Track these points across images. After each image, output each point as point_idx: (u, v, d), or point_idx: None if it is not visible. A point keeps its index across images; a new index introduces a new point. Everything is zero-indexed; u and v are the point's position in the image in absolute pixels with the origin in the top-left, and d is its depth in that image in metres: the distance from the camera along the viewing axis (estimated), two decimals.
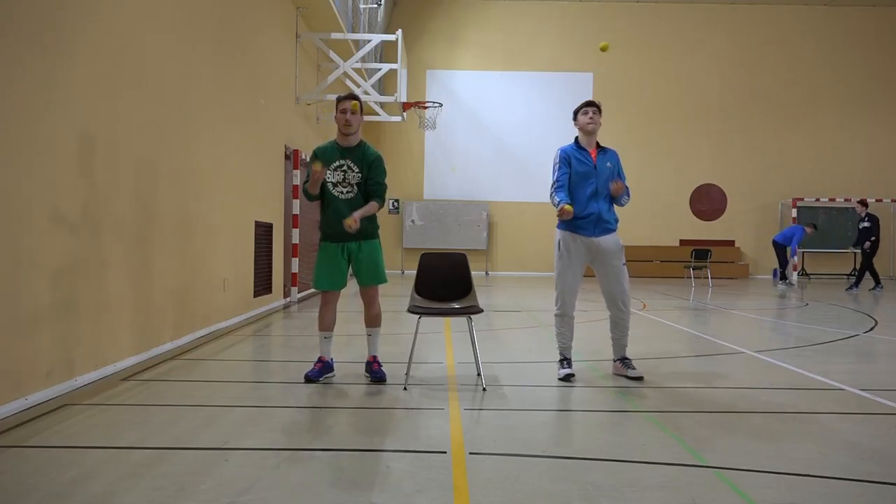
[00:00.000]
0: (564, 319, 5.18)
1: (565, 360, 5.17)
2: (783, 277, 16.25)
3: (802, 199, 19.96)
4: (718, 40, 20.38)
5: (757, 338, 7.87)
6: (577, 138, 5.26)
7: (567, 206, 4.89)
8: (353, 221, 4.77)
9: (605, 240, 5.10)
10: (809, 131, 20.43)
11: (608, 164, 5.15)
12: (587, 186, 5.08)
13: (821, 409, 4.42)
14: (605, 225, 5.09)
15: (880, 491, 2.99)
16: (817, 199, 19.74)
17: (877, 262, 20.40)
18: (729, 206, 18.65)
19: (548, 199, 5.29)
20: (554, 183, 5.16)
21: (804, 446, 3.59)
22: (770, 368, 5.74)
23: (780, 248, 15.98)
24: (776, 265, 20.53)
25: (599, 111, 5.18)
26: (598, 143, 5.24)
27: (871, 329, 8.42)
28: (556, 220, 5.18)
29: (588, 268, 5.21)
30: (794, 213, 19.81)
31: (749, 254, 20.60)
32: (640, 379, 5.04)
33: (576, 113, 5.27)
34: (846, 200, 19.66)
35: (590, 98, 5.44)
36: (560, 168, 5.17)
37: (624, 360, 5.20)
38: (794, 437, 3.75)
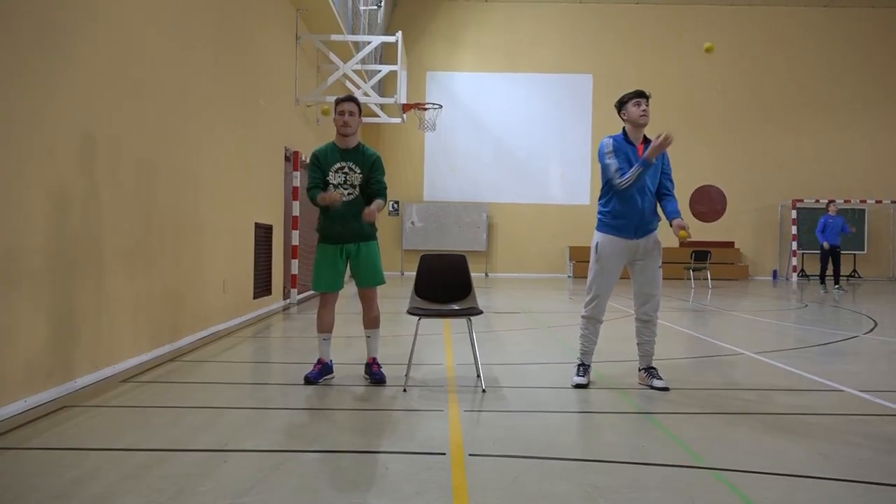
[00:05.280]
0: (592, 323, 4.98)
1: (582, 367, 4.98)
2: (836, 281, 14.75)
3: (802, 201, 19.96)
4: (718, 41, 20.27)
5: (756, 339, 7.87)
6: (624, 130, 4.89)
7: (655, 138, 4.53)
8: (370, 213, 4.79)
9: (646, 241, 4.86)
10: (809, 132, 20.44)
11: (654, 160, 4.76)
12: (633, 184, 4.75)
13: (820, 410, 4.41)
14: (647, 226, 4.84)
15: (879, 492, 2.99)
16: (817, 200, 19.73)
17: (877, 264, 20.48)
18: (728, 207, 18.63)
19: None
20: (617, 171, 4.73)
21: (803, 447, 3.59)
22: (770, 370, 5.74)
23: (827, 251, 14.48)
24: (776, 266, 20.58)
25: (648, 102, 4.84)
26: (645, 136, 4.91)
27: (871, 330, 8.42)
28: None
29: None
30: (794, 214, 19.81)
31: (749, 255, 20.60)
32: (665, 390, 4.77)
33: (622, 103, 4.89)
34: (846, 202, 19.67)
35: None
36: (615, 157, 4.77)
37: (650, 370, 4.94)
38: (794, 439, 3.75)
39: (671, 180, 4.96)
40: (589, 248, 5.11)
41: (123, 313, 5.31)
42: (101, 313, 4.96)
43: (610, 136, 4.92)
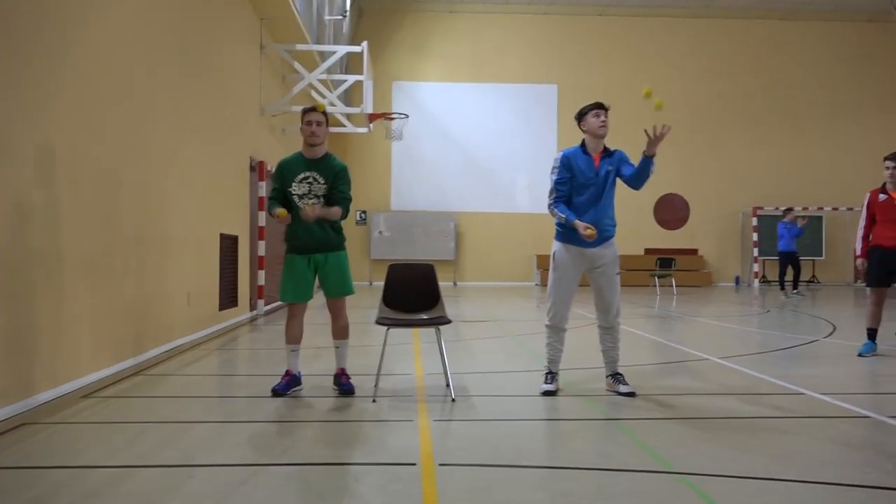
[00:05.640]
0: (556, 331, 5.02)
1: (550, 374, 5.01)
2: (795, 287, 14.98)
3: (762, 208, 20.42)
4: (682, 52, 20.82)
5: (721, 344, 8.01)
6: (583, 141, 4.98)
7: (582, 226, 4.69)
8: (311, 209, 4.75)
9: (603, 249, 4.92)
10: (770, 142, 20.94)
11: (608, 168, 4.89)
12: (585, 195, 4.86)
13: (783, 413, 4.51)
14: (602, 234, 4.86)
15: (840, 492, 3.06)
16: (776, 208, 20.20)
17: (835, 269, 21.02)
18: (692, 215, 18.91)
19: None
20: (552, 192, 4.91)
21: (767, 450, 3.66)
22: (734, 374, 5.84)
23: (787, 258, 14.83)
24: (738, 272, 20.99)
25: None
26: (605, 146, 4.98)
27: (830, 334, 8.63)
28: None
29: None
30: (754, 221, 20.25)
31: (712, 262, 20.98)
32: (632, 395, 4.83)
33: (582, 114, 4.98)
34: (804, 209, 20.14)
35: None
36: (559, 173, 4.89)
37: (616, 376, 5.00)
38: (758, 442, 3.82)
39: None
40: None
41: (85, 327, 5.19)
42: (60, 327, 4.84)
43: (564, 151, 5.01)
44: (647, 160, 4.80)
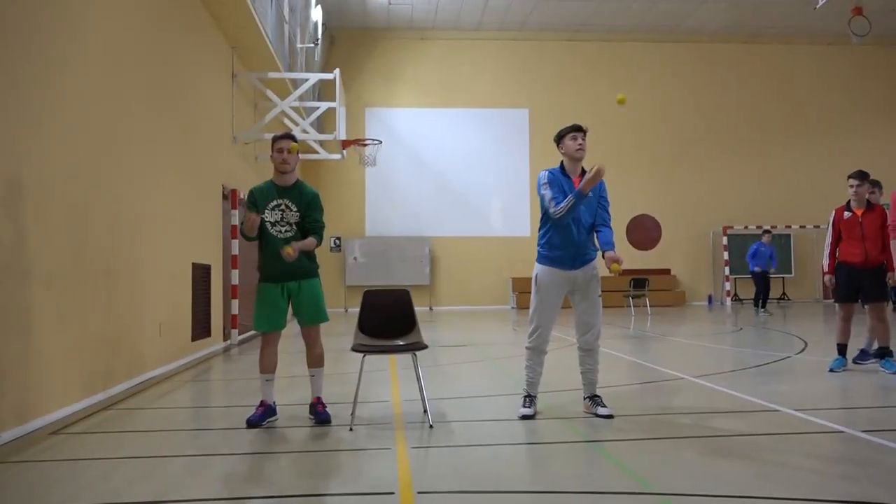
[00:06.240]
0: (536, 353, 4.99)
1: (529, 398, 4.98)
2: (763, 306, 15.39)
3: (732, 227, 20.74)
4: (651, 75, 21.18)
5: (696, 363, 8.07)
6: (562, 164, 4.99)
7: (590, 172, 4.60)
8: (291, 250, 4.70)
9: (585, 271, 4.92)
10: (739, 162, 21.33)
11: (590, 193, 4.84)
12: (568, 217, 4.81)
13: (759, 430, 4.54)
14: (584, 256, 4.90)
15: None
16: (745, 227, 20.55)
17: (803, 286, 21.37)
18: (663, 235, 19.14)
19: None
20: (550, 202, 4.80)
21: (744, 469, 3.67)
22: (710, 393, 5.88)
23: (759, 276, 15.37)
24: (711, 291, 21.25)
25: (585, 135, 4.95)
26: (583, 168, 4.98)
27: (802, 351, 8.74)
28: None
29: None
30: (724, 240, 20.56)
31: (684, 281, 21.20)
32: (610, 417, 4.82)
33: (560, 137, 4.99)
34: (772, 227, 20.50)
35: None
36: (552, 188, 4.84)
37: (594, 398, 4.99)
38: (736, 460, 3.84)
39: (608, 212, 5.05)
40: (531, 279, 5.16)
41: (53, 362, 5.07)
42: (28, 363, 4.72)
43: (546, 170, 5.00)
44: (605, 245, 4.92)
